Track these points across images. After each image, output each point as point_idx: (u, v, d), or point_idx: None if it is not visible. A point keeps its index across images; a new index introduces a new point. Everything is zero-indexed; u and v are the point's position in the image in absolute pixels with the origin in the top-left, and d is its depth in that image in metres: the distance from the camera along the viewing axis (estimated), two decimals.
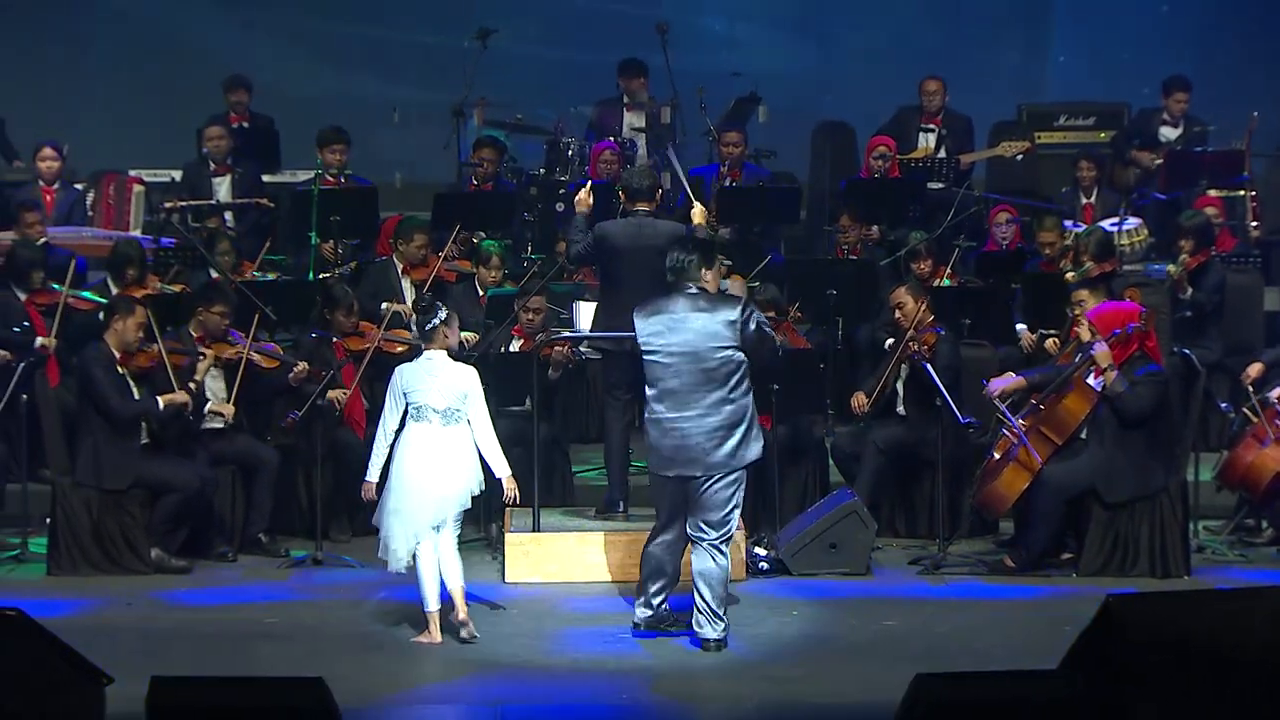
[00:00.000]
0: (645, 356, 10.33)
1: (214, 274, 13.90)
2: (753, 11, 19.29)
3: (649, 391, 10.35)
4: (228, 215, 15.53)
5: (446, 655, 10.25)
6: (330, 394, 12.44)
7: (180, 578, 11.88)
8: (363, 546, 11.95)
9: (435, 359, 10.51)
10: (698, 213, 12.11)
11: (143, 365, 12.12)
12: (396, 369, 10.67)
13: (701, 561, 10.25)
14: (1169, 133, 16.59)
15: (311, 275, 14.39)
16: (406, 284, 14.10)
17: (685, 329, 10.22)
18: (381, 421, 10.57)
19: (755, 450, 10.26)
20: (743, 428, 10.20)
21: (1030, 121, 17.54)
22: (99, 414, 11.98)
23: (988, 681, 7.41)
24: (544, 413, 12.43)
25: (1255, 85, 17.67)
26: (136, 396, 12.06)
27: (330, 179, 15.18)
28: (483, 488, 10.53)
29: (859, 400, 12.82)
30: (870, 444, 12.72)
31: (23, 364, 12.61)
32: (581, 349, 12.93)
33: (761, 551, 11.96)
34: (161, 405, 12.04)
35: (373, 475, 10.59)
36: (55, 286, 13.33)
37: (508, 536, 11.79)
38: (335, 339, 12.94)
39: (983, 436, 12.36)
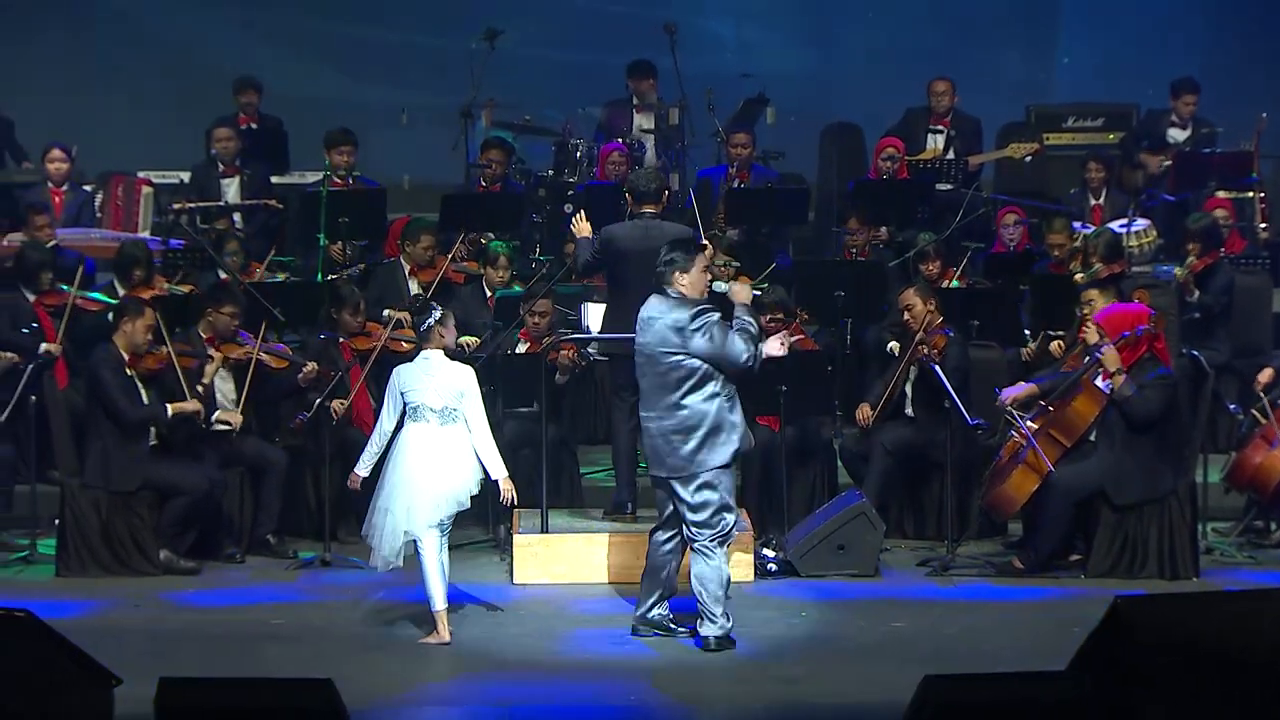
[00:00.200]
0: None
1: (222, 275, 13.92)
2: (761, 13, 19.28)
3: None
4: (236, 216, 15.50)
5: (454, 656, 10.26)
6: (332, 404, 12.41)
7: (188, 579, 11.88)
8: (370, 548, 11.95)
9: (432, 359, 10.52)
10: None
11: (151, 367, 12.11)
12: (395, 369, 10.68)
13: (696, 564, 10.28)
14: (1177, 134, 16.57)
15: (320, 276, 14.38)
16: (414, 285, 14.10)
17: (649, 331, 10.27)
18: (379, 420, 10.58)
19: (721, 455, 10.18)
20: (700, 433, 10.16)
21: (1039, 123, 17.52)
22: (107, 417, 11.98)
23: (996, 683, 7.42)
24: (552, 414, 12.42)
25: (1256, 86, 17.65)
26: (145, 398, 12.05)
27: (338, 180, 15.19)
28: (480, 487, 10.52)
29: (864, 413, 12.80)
30: (878, 445, 12.70)
31: (31, 365, 12.62)
32: (589, 350, 12.94)
33: (770, 553, 11.95)
34: (170, 413, 12.03)
35: (362, 469, 10.63)
36: (64, 288, 13.33)
37: (516, 538, 11.80)
38: (342, 339, 12.94)
39: (991, 438, 12.35)
